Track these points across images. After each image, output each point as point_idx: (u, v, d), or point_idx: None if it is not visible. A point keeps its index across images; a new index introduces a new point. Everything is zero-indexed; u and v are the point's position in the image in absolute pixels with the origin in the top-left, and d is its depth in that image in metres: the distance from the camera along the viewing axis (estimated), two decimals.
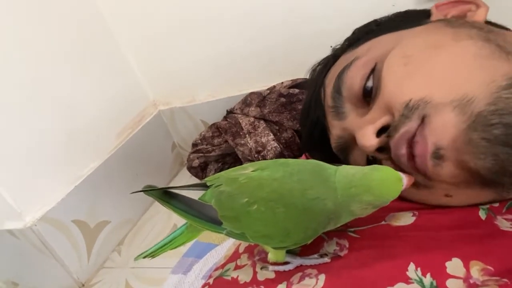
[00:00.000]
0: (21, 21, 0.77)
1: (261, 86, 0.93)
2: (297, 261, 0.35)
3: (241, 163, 0.83)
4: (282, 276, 0.35)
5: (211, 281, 0.40)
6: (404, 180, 0.30)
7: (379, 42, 0.39)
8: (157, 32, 0.98)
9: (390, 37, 0.39)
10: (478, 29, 0.34)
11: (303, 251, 0.37)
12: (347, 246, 0.35)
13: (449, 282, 0.27)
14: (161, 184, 1.06)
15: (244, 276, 0.37)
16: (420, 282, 0.28)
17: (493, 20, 0.40)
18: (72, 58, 0.88)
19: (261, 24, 0.87)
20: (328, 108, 0.41)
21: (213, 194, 0.34)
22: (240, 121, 0.88)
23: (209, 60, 0.98)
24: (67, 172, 0.83)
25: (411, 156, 0.32)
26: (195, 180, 0.98)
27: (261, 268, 0.37)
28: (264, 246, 0.35)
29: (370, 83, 0.37)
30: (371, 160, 0.38)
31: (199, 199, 0.35)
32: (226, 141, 0.90)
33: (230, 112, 0.94)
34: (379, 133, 0.34)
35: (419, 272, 0.29)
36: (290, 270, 0.35)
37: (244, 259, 0.41)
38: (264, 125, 0.85)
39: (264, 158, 0.81)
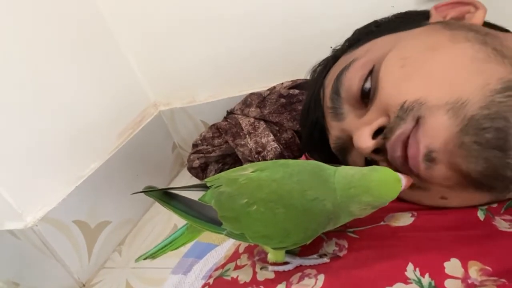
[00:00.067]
0: (21, 21, 0.77)
1: (261, 86, 0.93)
2: (296, 261, 0.35)
3: (241, 164, 0.83)
4: (282, 276, 0.35)
5: (211, 281, 0.41)
6: (403, 180, 0.30)
7: (378, 43, 0.40)
8: (157, 32, 0.98)
9: (388, 39, 0.39)
10: (476, 32, 0.34)
11: (303, 251, 0.37)
12: (346, 246, 0.35)
13: (448, 282, 0.28)
14: (161, 184, 1.06)
15: (244, 276, 0.38)
16: (419, 282, 0.28)
17: (492, 21, 0.40)
18: (72, 58, 0.88)
19: (261, 24, 0.87)
20: (327, 109, 0.41)
21: (213, 194, 0.34)
22: (240, 121, 0.88)
23: (209, 60, 0.98)
24: (68, 172, 0.84)
25: (406, 158, 0.32)
26: (196, 181, 0.99)
27: (261, 268, 0.37)
28: (263, 246, 0.35)
29: (368, 85, 0.37)
30: (369, 161, 0.38)
31: (199, 199, 0.35)
32: (226, 142, 0.90)
33: (230, 112, 0.94)
34: (376, 134, 0.34)
35: (417, 272, 0.29)
36: (289, 270, 0.35)
37: (244, 259, 0.41)
38: (264, 125, 0.85)
39: (264, 158, 0.81)
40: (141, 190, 0.36)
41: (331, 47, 0.48)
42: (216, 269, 0.43)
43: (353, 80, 0.38)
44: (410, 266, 0.29)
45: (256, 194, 0.31)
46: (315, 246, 0.36)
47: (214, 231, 0.34)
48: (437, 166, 0.30)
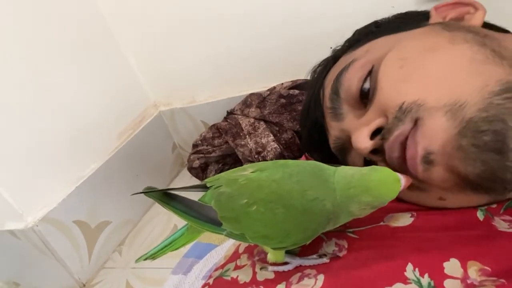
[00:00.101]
0: (21, 21, 0.77)
1: (261, 87, 0.93)
2: (296, 262, 0.35)
3: (241, 164, 0.83)
4: (282, 276, 0.35)
5: (211, 281, 0.41)
6: (402, 180, 0.30)
7: (378, 44, 0.40)
8: (157, 32, 0.98)
9: (388, 39, 0.39)
10: (475, 34, 0.34)
11: (302, 251, 0.37)
12: (346, 246, 0.35)
13: (447, 283, 0.28)
14: (161, 185, 1.06)
15: (243, 276, 0.38)
16: (418, 282, 0.28)
17: (492, 21, 0.40)
18: (72, 58, 0.88)
19: (261, 24, 0.87)
20: (327, 109, 0.42)
21: (213, 195, 0.34)
22: (240, 122, 0.88)
23: (209, 61, 0.98)
24: (68, 172, 0.84)
25: (404, 159, 0.32)
26: (196, 181, 0.99)
27: (261, 269, 0.37)
28: (263, 246, 0.35)
29: (367, 85, 0.37)
30: (368, 161, 0.38)
31: (199, 200, 0.35)
32: (226, 142, 0.90)
33: (230, 113, 0.94)
34: (374, 135, 0.34)
35: (417, 272, 0.29)
36: (289, 270, 0.35)
37: (244, 260, 0.41)
38: (264, 126, 0.85)
39: (264, 159, 0.81)
40: (141, 191, 0.36)
41: (331, 48, 0.48)
42: (216, 269, 0.43)
43: (352, 81, 0.38)
44: (409, 266, 0.29)
45: (256, 195, 0.31)
46: (314, 246, 0.36)
47: (214, 232, 0.35)
48: (435, 168, 0.31)
